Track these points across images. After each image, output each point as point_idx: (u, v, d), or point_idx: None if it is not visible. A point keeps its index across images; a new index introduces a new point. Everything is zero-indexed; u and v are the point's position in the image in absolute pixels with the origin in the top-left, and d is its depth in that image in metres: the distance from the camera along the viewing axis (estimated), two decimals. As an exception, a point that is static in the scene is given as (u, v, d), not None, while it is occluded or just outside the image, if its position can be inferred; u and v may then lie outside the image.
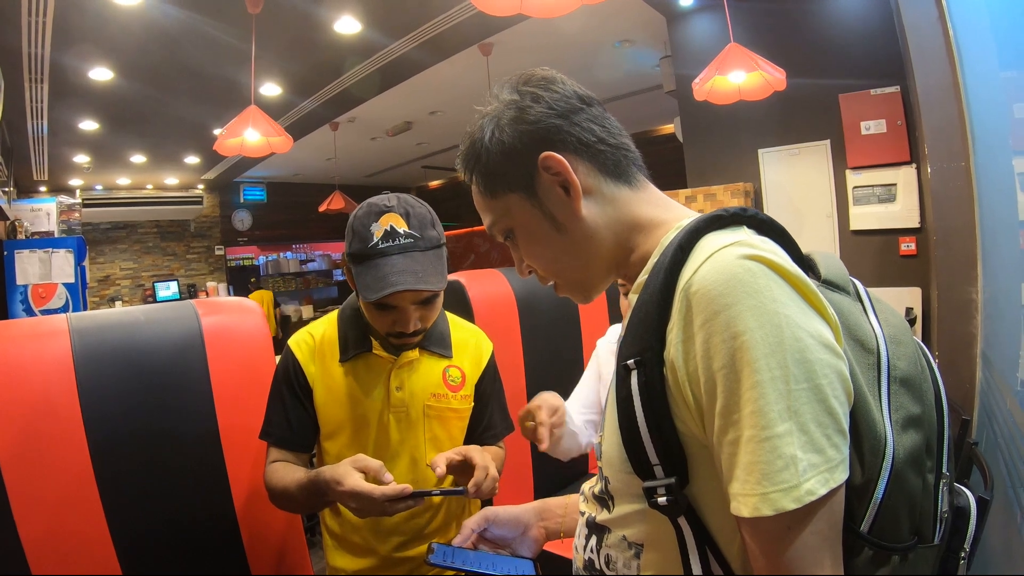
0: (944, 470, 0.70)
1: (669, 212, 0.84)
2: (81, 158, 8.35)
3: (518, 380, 2.19)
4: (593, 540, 0.83)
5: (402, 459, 1.46)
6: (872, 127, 3.99)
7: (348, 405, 1.45)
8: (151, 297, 10.71)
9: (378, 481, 1.20)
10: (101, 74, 5.17)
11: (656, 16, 4.97)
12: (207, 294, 11.08)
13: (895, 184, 3.96)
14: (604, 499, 0.82)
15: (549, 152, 0.79)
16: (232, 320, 1.66)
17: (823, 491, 0.58)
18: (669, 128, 7.60)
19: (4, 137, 4.99)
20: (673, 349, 0.67)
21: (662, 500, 0.67)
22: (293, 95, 6.34)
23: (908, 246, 3.94)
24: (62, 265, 4.77)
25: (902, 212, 3.94)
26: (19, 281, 4.65)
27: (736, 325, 0.61)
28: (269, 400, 1.48)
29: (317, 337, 1.50)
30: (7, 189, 5.34)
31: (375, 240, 1.33)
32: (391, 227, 1.33)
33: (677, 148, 5.33)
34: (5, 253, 4.67)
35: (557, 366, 2.29)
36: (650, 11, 4.87)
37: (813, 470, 0.58)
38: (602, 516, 0.82)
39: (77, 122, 6.55)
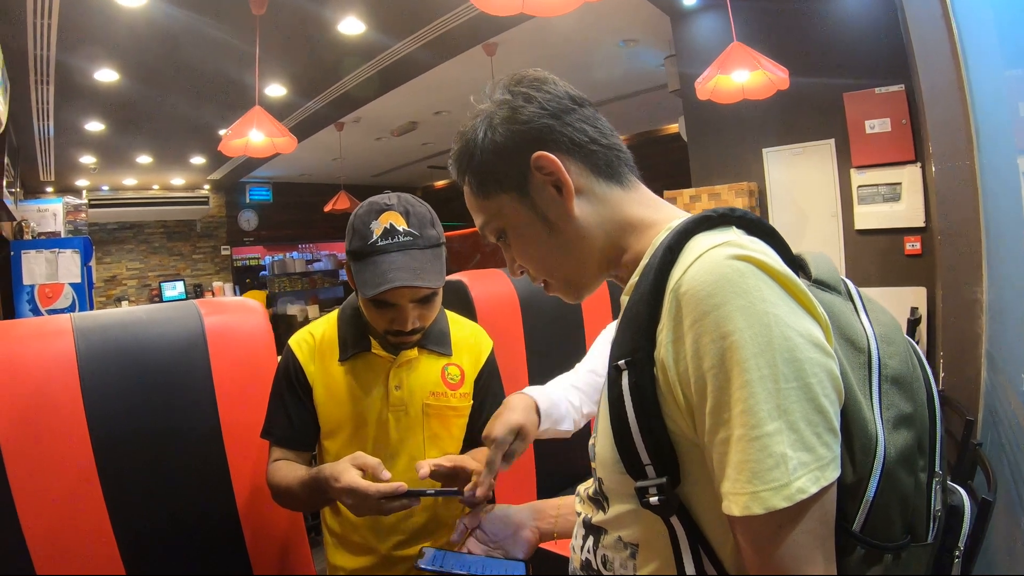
0: (937, 469, 0.70)
1: (660, 212, 0.84)
2: (87, 159, 8.39)
3: (520, 380, 2.19)
4: (590, 541, 0.84)
5: (401, 458, 1.46)
6: (876, 126, 3.98)
7: (347, 404, 1.46)
8: (157, 297, 10.76)
9: (376, 478, 1.20)
10: (107, 75, 5.20)
11: (660, 15, 4.96)
12: (213, 294, 11.12)
13: (900, 183, 3.95)
14: (599, 500, 0.82)
15: (542, 152, 0.80)
16: (235, 320, 1.66)
17: (814, 489, 0.58)
18: (673, 127, 7.58)
19: (10, 138, 5.02)
20: (663, 349, 0.67)
21: (654, 500, 0.67)
22: (298, 96, 6.35)
23: (913, 245, 3.93)
24: (68, 265, 4.79)
25: (907, 211, 3.93)
26: (26, 281, 4.67)
27: (725, 325, 0.61)
28: (270, 399, 1.49)
29: (317, 337, 1.50)
30: (14, 190, 5.38)
31: (374, 237, 1.33)
32: (390, 225, 1.34)
33: (681, 147, 5.33)
34: (12, 253, 4.69)
35: (560, 366, 2.28)
36: (654, 10, 4.87)
37: (803, 468, 0.58)
38: (597, 517, 0.82)
39: (83, 123, 6.59)
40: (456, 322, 1.62)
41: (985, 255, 2.32)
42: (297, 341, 1.50)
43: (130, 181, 10.49)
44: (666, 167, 6.82)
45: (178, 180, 10.89)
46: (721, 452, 0.61)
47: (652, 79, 6.54)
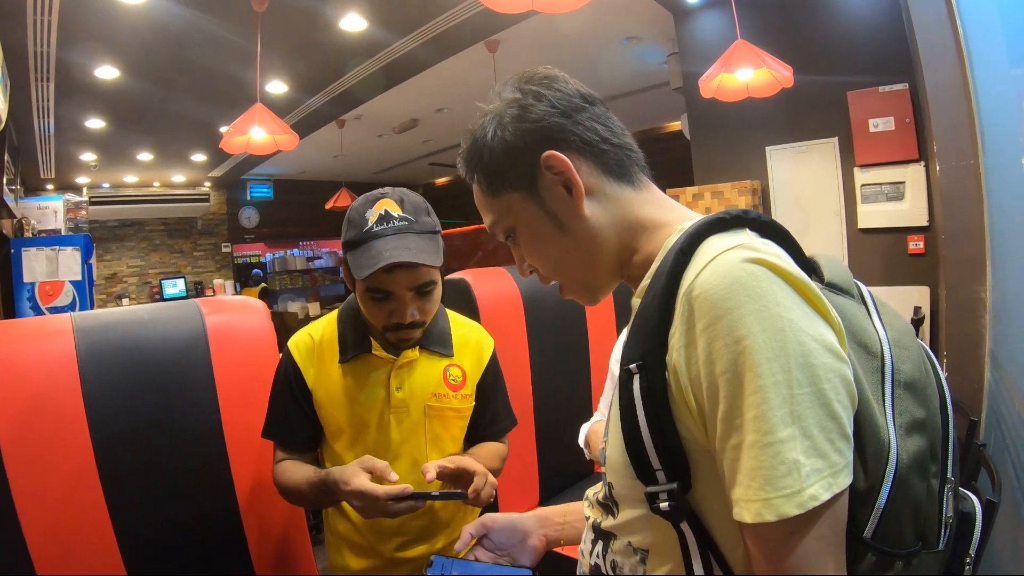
0: (949, 475, 0.69)
1: (672, 213, 0.83)
2: (88, 156, 8.39)
3: (524, 379, 2.19)
4: (599, 546, 0.83)
5: (403, 459, 1.46)
6: (880, 124, 3.97)
7: (348, 406, 1.45)
8: (158, 294, 10.77)
9: (384, 480, 1.21)
10: (107, 72, 5.19)
11: (663, 13, 4.95)
12: (214, 291, 11.12)
13: (903, 182, 3.94)
14: (608, 505, 0.81)
15: (552, 151, 0.79)
16: (236, 319, 1.66)
17: (826, 496, 0.57)
18: (676, 125, 7.57)
19: (11, 135, 5.01)
20: (675, 354, 0.66)
21: (664, 505, 0.67)
22: (299, 93, 6.35)
23: (916, 245, 3.92)
24: (69, 263, 4.79)
25: (910, 210, 3.92)
26: (26, 279, 4.67)
27: (739, 329, 0.60)
28: (270, 401, 1.48)
29: (316, 338, 1.49)
30: (14, 187, 5.37)
31: (370, 224, 1.33)
32: (385, 211, 1.34)
33: (684, 145, 5.32)
34: (12, 251, 4.69)
35: (563, 365, 2.29)
36: (657, 8, 4.85)
37: (816, 475, 0.57)
38: (607, 522, 0.81)
39: (83, 120, 6.58)
40: (457, 322, 1.61)
41: (989, 255, 2.31)
42: (296, 343, 1.49)
43: (131, 178, 10.48)
44: (669, 165, 6.80)
45: (179, 177, 10.89)
46: (733, 458, 0.61)
47: (655, 76, 6.52)
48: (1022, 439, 1.77)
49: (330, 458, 1.49)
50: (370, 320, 1.43)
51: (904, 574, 0.65)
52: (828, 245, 4.21)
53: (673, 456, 0.67)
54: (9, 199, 4.40)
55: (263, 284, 11.42)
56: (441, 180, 13.57)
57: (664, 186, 4.83)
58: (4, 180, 4.16)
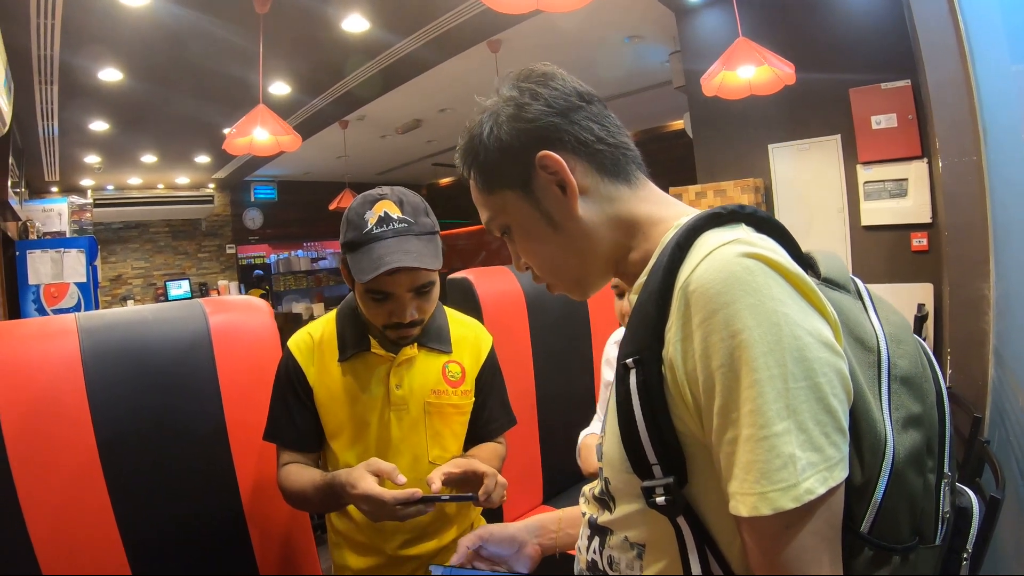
0: (946, 470, 0.69)
1: (668, 209, 0.83)
2: (92, 158, 8.40)
3: (527, 378, 2.19)
4: (596, 541, 0.83)
5: (404, 457, 1.46)
6: (883, 121, 3.96)
7: (348, 405, 1.45)
8: (163, 296, 10.78)
9: (392, 483, 1.21)
10: (110, 75, 5.20)
11: (665, 11, 4.94)
12: (219, 292, 11.13)
13: (906, 179, 3.93)
14: (605, 500, 0.81)
15: (546, 151, 0.79)
16: (240, 319, 1.66)
17: (822, 490, 0.57)
18: (679, 124, 7.58)
19: (15, 138, 5.03)
20: (672, 348, 0.66)
21: (660, 500, 0.67)
22: (302, 94, 6.35)
23: (920, 241, 3.90)
24: (74, 265, 4.81)
25: (913, 207, 3.90)
26: (31, 281, 4.69)
27: (734, 323, 0.60)
28: (272, 403, 1.48)
29: (316, 337, 1.49)
30: (19, 190, 5.39)
31: (369, 226, 1.33)
32: (385, 213, 1.34)
33: (687, 144, 5.31)
34: (17, 253, 4.71)
35: (566, 364, 2.29)
36: (659, 7, 4.85)
37: (812, 469, 0.57)
38: (604, 517, 0.82)
39: (87, 123, 6.59)
40: (455, 319, 1.62)
41: (992, 251, 2.30)
42: (296, 342, 1.49)
43: (135, 180, 10.49)
44: (671, 164, 6.80)
45: (183, 179, 10.89)
46: (729, 452, 0.61)
47: (657, 75, 6.51)
48: (1026, 435, 1.77)
49: (329, 459, 1.49)
50: (369, 319, 1.43)
51: (901, 569, 0.65)
52: (831, 242, 4.20)
53: (669, 450, 0.67)
54: (14, 202, 4.42)
55: (265, 287, 11.43)
56: (445, 180, 13.57)
57: (667, 185, 4.81)
58: (9, 183, 4.18)
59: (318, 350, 1.48)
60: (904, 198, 3.94)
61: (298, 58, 5.42)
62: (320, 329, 1.51)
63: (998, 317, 2.27)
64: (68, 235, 5.41)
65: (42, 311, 4.67)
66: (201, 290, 11.22)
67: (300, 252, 12.60)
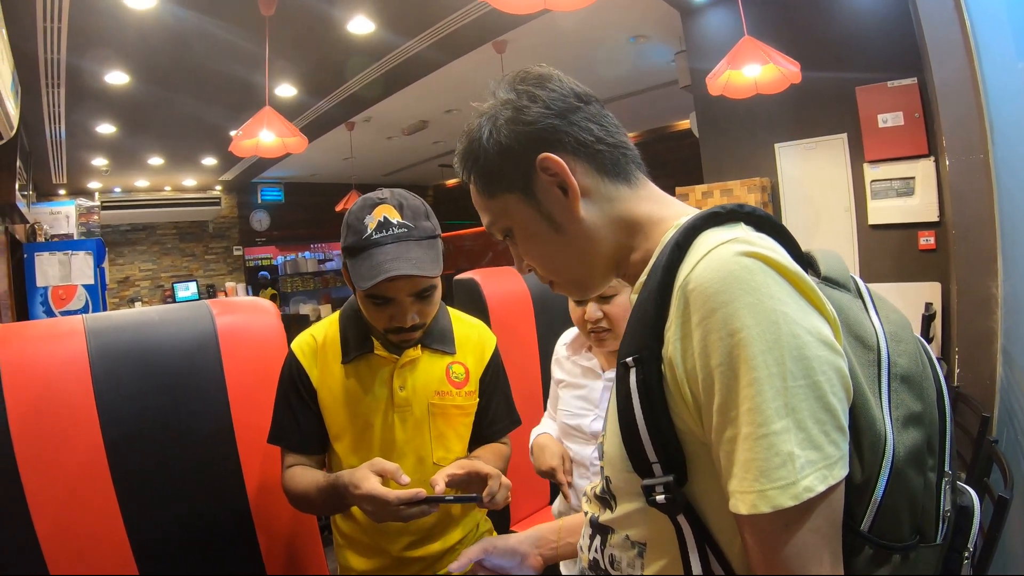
0: (946, 468, 0.69)
1: (668, 209, 0.83)
2: (99, 161, 8.45)
3: (533, 379, 2.19)
4: (597, 540, 0.83)
5: (408, 458, 1.46)
6: (889, 120, 3.94)
7: (352, 406, 1.45)
8: (170, 298, 10.82)
9: (395, 483, 1.21)
10: (117, 78, 5.23)
11: (670, 11, 4.94)
12: (226, 294, 11.16)
13: (913, 177, 3.91)
14: (606, 499, 0.82)
15: (547, 153, 0.79)
16: (247, 320, 1.66)
17: (821, 488, 0.57)
18: (685, 124, 7.55)
19: (23, 141, 5.05)
20: (671, 347, 0.66)
21: (660, 498, 0.67)
22: (308, 96, 6.37)
23: (927, 240, 3.89)
24: (81, 267, 4.82)
25: (921, 206, 3.89)
26: (39, 283, 4.71)
27: (733, 322, 0.60)
28: (276, 405, 1.48)
29: (319, 339, 1.49)
30: (26, 192, 5.42)
31: (369, 231, 1.33)
32: (384, 218, 1.34)
33: (693, 144, 5.31)
34: (25, 256, 4.73)
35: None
36: (664, 6, 4.84)
37: (811, 467, 0.57)
38: (605, 516, 0.82)
39: (94, 125, 6.63)
40: (459, 320, 1.61)
41: (1000, 250, 2.30)
42: (299, 345, 1.49)
43: (142, 183, 10.55)
44: (677, 164, 6.79)
45: (190, 181, 10.94)
46: (728, 450, 0.61)
47: (662, 75, 6.50)
48: (1034, 434, 1.76)
49: (333, 461, 1.49)
50: (371, 322, 1.44)
51: (901, 568, 0.65)
52: (838, 242, 4.19)
53: (669, 449, 0.68)
54: (22, 204, 4.44)
55: (271, 290, 11.44)
56: (451, 181, 13.58)
57: (673, 185, 4.80)
58: (17, 186, 4.20)
59: (321, 352, 1.48)
60: (911, 197, 3.92)
61: (304, 60, 5.43)
62: (323, 331, 1.51)
63: (1006, 315, 2.26)
64: (76, 237, 5.44)
65: (50, 313, 4.69)
66: (208, 292, 11.26)
67: (307, 254, 12.63)
